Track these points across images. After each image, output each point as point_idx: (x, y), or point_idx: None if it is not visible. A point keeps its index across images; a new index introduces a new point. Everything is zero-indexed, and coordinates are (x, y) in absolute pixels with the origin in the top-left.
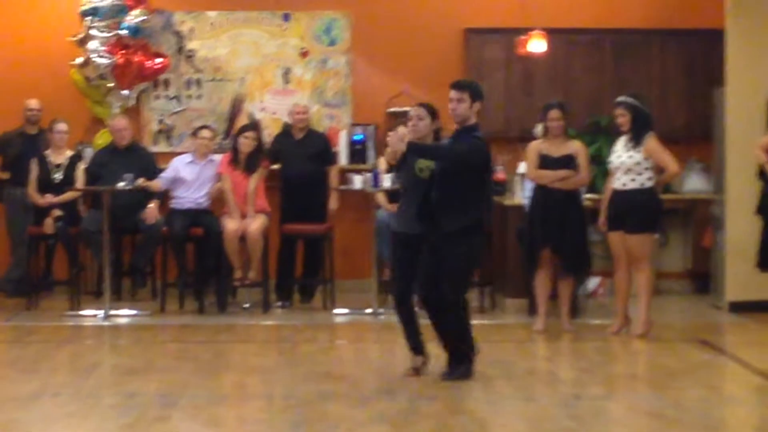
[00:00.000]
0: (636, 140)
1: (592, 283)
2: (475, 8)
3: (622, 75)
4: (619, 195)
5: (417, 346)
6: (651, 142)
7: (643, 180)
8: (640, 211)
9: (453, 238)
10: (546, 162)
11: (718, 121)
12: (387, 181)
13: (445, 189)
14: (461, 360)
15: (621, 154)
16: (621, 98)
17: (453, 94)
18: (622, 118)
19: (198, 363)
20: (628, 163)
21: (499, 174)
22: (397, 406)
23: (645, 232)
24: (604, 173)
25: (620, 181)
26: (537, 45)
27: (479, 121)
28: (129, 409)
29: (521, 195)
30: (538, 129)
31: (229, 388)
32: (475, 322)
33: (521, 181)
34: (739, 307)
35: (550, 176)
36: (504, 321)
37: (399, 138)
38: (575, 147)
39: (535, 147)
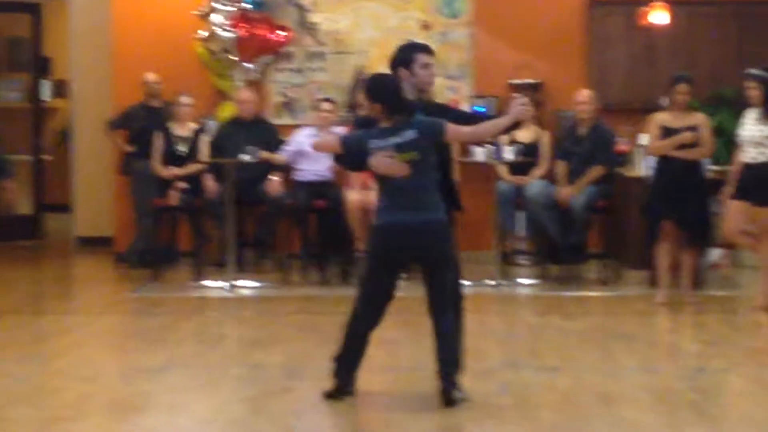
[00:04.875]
0: (767, 114)
1: (715, 254)
2: None
3: (745, 47)
4: (748, 168)
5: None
6: None
7: None
8: None
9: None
10: (668, 134)
11: None
12: (509, 152)
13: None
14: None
15: (750, 127)
16: (754, 71)
17: (429, 59)
18: (754, 92)
19: (322, 334)
20: (757, 137)
21: (621, 145)
22: (522, 378)
23: None
24: (726, 145)
25: (749, 155)
26: (659, 16)
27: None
28: (255, 381)
29: (642, 166)
30: (665, 101)
31: None
32: (596, 293)
33: (642, 153)
34: None
35: (668, 143)
36: (625, 293)
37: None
38: (698, 119)
39: (657, 119)
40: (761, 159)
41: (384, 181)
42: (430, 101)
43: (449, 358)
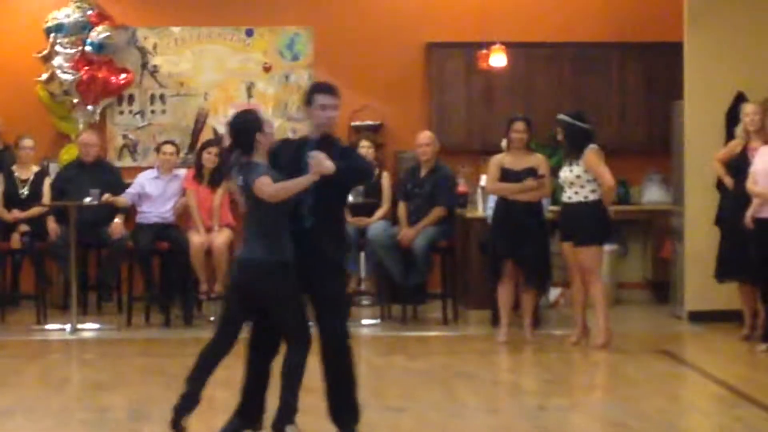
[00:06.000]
0: (573, 155)
1: (554, 293)
2: (436, 22)
3: (581, 88)
4: (566, 208)
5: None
6: (589, 155)
7: (586, 193)
8: (586, 223)
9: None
10: (507, 175)
11: (676, 134)
12: (351, 194)
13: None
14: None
15: (565, 168)
16: (559, 116)
17: (331, 100)
18: (560, 135)
19: (166, 376)
20: (570, 177)
21: (462, 187)
22: (366, 419)
23: (592, 245)
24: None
25: (566, 195)
26: (497, 59)
27: None
28: (101, 424)
29: (483, 207)
30: (504, 142)
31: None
32: (438, 333)
33: (483, 194)
34: (699, 317)
35: (509, 189)
36: (467, 332)
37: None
38: (537, 160)
39: (496, 160)
40: (575, 199)
41: None
42: (338, 143)
43: (284, 396)
